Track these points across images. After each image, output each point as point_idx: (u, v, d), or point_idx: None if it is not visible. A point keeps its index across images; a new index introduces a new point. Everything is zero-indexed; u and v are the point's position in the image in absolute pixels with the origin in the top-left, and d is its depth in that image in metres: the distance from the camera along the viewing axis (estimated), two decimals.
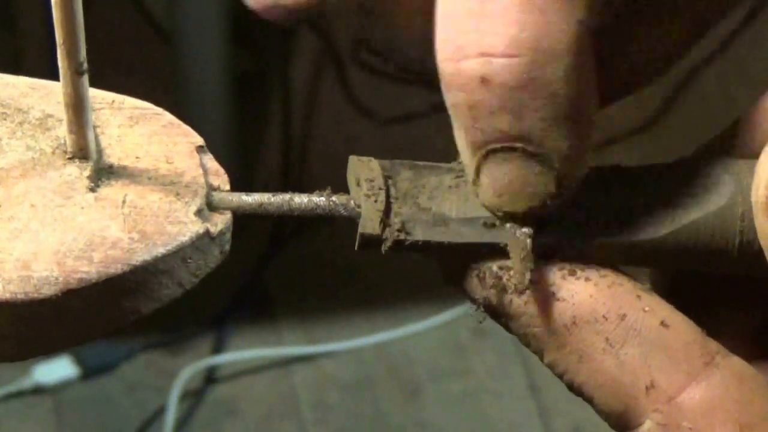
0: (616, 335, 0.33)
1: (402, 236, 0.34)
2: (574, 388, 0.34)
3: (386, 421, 1.53)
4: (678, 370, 0.32)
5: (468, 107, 0.32)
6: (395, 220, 0.34)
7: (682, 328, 0.33)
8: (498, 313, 0.34)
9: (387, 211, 0.34)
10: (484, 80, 0.32)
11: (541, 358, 0.34)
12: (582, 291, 0.33)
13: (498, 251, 0.34)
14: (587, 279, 0.34)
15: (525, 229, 0.34)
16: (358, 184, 0.35)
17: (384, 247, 0.34)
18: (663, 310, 0.33)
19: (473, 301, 0.35)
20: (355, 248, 0.35)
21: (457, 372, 1.57)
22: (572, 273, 0.34)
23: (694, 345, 0.33)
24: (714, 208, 0.34)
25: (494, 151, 0.33)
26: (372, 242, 0.34)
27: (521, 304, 0.34)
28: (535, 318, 0.33)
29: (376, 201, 0.34)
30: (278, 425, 1.52)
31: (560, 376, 0.34)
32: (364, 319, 1.60)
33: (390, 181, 0.35)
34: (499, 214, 0.34)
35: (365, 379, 1.56)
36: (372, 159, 0.35)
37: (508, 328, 0.35)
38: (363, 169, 0.35)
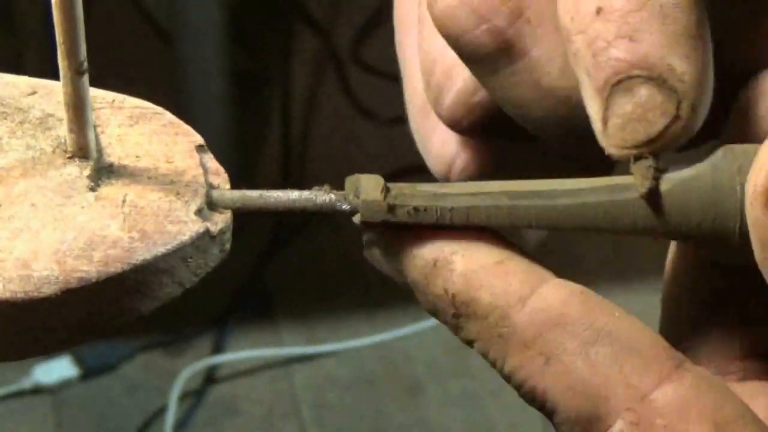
0: (587, 336, 0.32)
1: (401, 202, 0.34)
2: (536, 396, 0.33)
3: (386, 420, 1.53)
4: (650, 369, 0.32)
5: (587, 45, 0.32)
6: (395, 192, 0.35)
7: (650, 334, 0.33)
8: (462, 311, 0.34)
9: (386, 189, 0.35)
10: (599, 11, 0.32)
11: (502, 364, 0.33)
12: (555, 293, 0.33)
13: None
14: (561, 285, 0.33)
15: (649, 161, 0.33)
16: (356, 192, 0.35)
17: (383, 209, 0.34)
18: (632, 318, 0.33)
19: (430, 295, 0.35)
20: (359, 221, 0.35)
21: (457, 372, 1.57)
22: (547, 278, 0.34)
23: (664, 349, 0.33)
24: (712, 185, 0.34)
25: (617, 84, 0.33)
26: (375, 210, 0.34)
27: (492, 300, 0.33)
28: (503, 318, 0.33)
29: (375, 182, 0.35)
30: (278, 425, 1.52)
31: (521, 383, 0.33)
32: (364, 319, 1.60)
33: (389, 185, 0.35)
34: (624, 154, 0.33)
35: (365, 379, 1.56)
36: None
37: (460, 330, 0.34)
38: (362, 178, 0.35)
